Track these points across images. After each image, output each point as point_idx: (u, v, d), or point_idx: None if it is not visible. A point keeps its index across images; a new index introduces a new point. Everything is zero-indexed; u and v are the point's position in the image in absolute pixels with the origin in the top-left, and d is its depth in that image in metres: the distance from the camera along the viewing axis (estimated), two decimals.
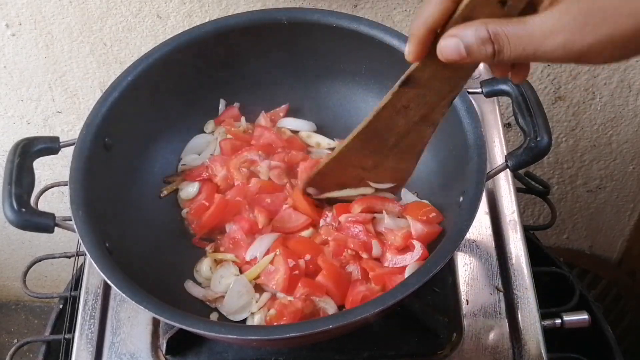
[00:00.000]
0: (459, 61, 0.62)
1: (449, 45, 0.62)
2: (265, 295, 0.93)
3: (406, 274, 0.92)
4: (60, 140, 0.94)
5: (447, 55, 0.62)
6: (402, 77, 0.74)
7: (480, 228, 1.01)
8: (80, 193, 0.87)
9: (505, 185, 1.05)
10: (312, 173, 0.95)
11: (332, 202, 0.98)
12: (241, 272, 0.96)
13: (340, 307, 0.91)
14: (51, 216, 0.86)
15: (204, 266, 0.97)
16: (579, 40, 0.56)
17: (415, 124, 0.81)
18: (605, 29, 0.55)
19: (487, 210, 1.03)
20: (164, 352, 0.93)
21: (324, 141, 1.08)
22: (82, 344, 0.95)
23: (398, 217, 0.95)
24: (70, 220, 0.85)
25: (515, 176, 1.10)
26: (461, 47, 0.61)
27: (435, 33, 0.64)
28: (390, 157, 0.88)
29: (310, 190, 0.97)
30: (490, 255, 0.99)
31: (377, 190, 0.96)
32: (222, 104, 1.10)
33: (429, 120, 0.80)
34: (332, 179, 0.94)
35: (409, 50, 0.67)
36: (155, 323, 0.96)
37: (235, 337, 0.80)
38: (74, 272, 1.12)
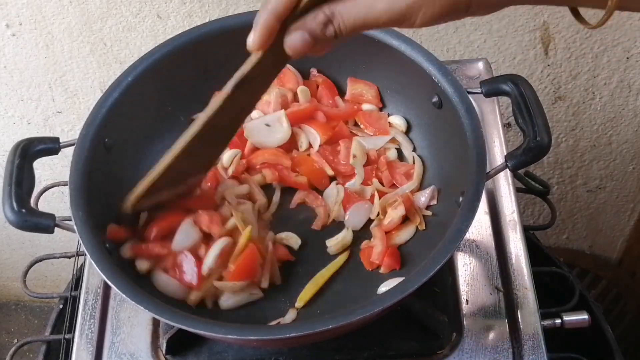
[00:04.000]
0: (308, 50, 0.66)
1: (295, 39, 0.66)
2: None
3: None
4: (60, 140, 0.94)
5: (296, 49, 0.66)
6: (237, 80, 0.74)
7: (480, 228, 1.01)
8: (80, 193, 0.87)
9: (505, 185, 1.05)
10: (138, 191, 0.88)
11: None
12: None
13: None
14: (51, 216, 0.86)
15: None
16: (398, 2, 0.61)
17: (237, 115, 0.84)
18: None
19: (487, 210, 1.03)
20: (164, 352, 0.93)
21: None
22: (82, 344, 0.95)
23: None
24: (70, 220, 0.85)
25: (515, 176, 1.10)
26: (306, 36, 0.65)
27: (282, 23, 0.66)
28: (207, 152, 0.89)
29: (131, 211, 0.90)
30: (490, 255, 0.99)
31: (190, 186, 0.95)
32: None
33: (250, 106, 0.84)
34: (155, 192, 0.89)
35: (254, 39, 0.68)
36: (155, 323, 0.96)
37: (235, 337, 0.80)
38: (74, 272, 1.12)
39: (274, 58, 0.71)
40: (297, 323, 0.87)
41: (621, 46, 1.32)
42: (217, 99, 0.77)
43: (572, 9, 0.72)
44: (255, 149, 1.05)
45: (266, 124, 1.03)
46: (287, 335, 0.78)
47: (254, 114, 1.05)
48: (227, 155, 1.03)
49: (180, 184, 0.92)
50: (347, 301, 0.91)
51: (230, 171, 1.02)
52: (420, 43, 0.96)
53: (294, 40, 0.66)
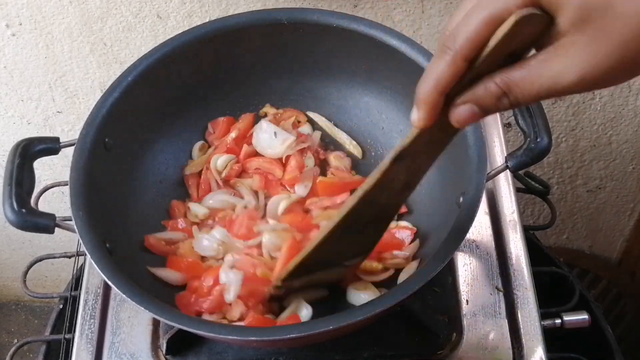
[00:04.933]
0: (476, 121, 0.60)
1: (464, 113, 0.59)
2: None
3: (403, 276, 0.92)
4: (60, 140, 0.94)
5: (464, 121, 0.60)
6: (395, 153, 0.67)
7: (480, 228, 1.01)
8: (80, 193, 0.87)
9: (505, 185, 1.05)
10: (288, 268, 0.85)
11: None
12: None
13: None
14: (51, 216, 0.86)
15: None
16: (591, 73, 0.54)
17: (397, 194, 0.76)
18: (617, 52, 0.53)
19: (487, 210, 1.03)
20: (164, 352, 0.93)
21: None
22: (82, 344, 0.95)
23: None
24: (70, 220, 0.85)
25: (515, 176, 1.10)
26: (475, 109, 0.59)
27: (446, 96, 0.60)
28: (364, 232, 0.82)
29: (277, 290, 0.88)
30: (490, 255, 0.99)
31: (347, 268, 0.90)
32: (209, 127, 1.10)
33: (410, 185, 0.76)
34: (306, 271, 0.85)
35: (419, 117, 0.62)
36: (155, 323, 0.96)
37: (235, 337, 0.80)
38: (74, 272, 1.12)
39: (438, 131, 0.64)
40: (298, 324, 0.87)
41: None
42: (375, 173, 0.71)
43: None
44: (250, 154, 1.05)
45: (275, 132, 1.03)
46: (287, 336, 0.77)
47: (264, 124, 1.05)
48: (222, 160, 1.03)
49: (335, 265, 0.87)
50: None
51: (224, 174, 1.02)
52: (420, 43, 0.96)
53: (462, 114, 0.59)
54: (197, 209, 1.00)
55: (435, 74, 0.58)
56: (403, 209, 0.99)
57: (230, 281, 0.90)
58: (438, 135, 0.66)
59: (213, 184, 1.03)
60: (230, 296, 0.89)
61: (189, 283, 0.94)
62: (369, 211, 0.76)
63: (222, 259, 0.95)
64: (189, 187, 1.05)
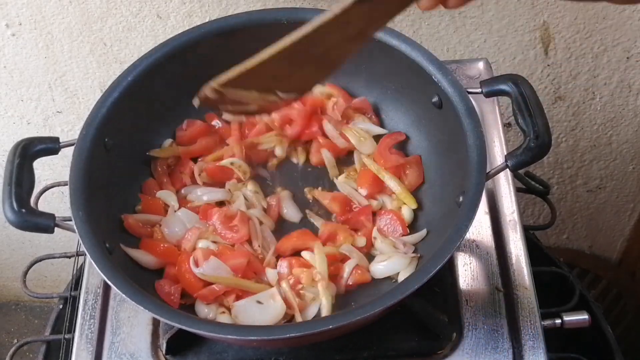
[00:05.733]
0: None
1: None
2: None
3: (403, 276, 0.92)
4: (60, 140, 0.94)
5: None
6: None
7: (480, 228, 1.01)
8: (80, 193, 0.87)
9: (505, 185, 1.05)
10: (229, 75, 0.85)
11: (229, 108, 0.94)
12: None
13: None
14: (51, 216, 0.86)
15: None
16: None
17: (347, 40, 0.77)
18: None
19: (487, 210, 1.03)
20: (164, 352, 0.93)
21: None
22: (82, 344, 0.95)
23: None
24: (70, 220, 0.85)
25: (515, 176, 1.10)
26: None
27: None
28: (306, 67, 0.83)
29: (213, 93, 0.88)
30: (490, 255, 0.99)
31: (280, 99, 0.90)
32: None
33: (363, 36, 0.77)
34: (243, 83, 0.86)
35: None
36: (155, 323, 0.96)
37: (234, 337, 0.80)
38: (74, 272, 1.12)
39: None
40: (298, 323, 0.87)
41: (621, 46, 1.32)
42: (334, 8, 0.72)
43: None
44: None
45: (258, 301, 0.91)
46: (287, 336, 0.78)
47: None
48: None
49: (270, 91, 0.88)
50: None
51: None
52: (421, 43, 0.96)
53: None
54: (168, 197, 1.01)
55: None
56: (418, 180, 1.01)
57: (205, 270, 0.90)
58: None
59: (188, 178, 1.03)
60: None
61: (166, 269, 0.94)
62: (318, 45, 0.78)
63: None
64: (155, 172, 1.04)
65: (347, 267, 0.93)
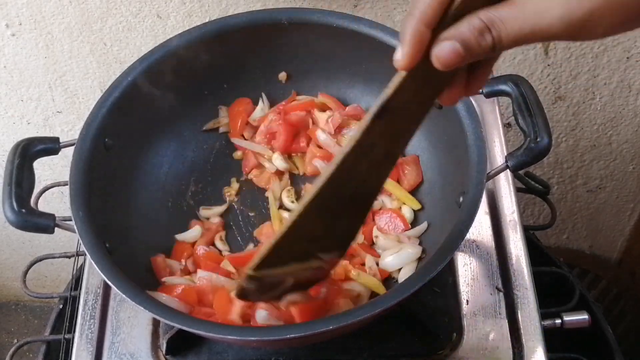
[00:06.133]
0: (458, 63, 0.57)
1: (445, 49, 0.56)
2: None
3: (403, 276, 0.92)
4: (60, 140, 0.94)
5: (445, 60, 0.56)
6: (378, 106, 0.61)
7: (480, 228, 1.01)
8: (80, 193, 0.87)
9: (505, 185, 1.05)
10: (261, 254, 0.73)
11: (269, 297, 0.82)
12: None
13: None
14: (51, 216, 0.86)
15: None
16: (576, 9, 0.52)
17: (378, 165, 0.68)
18: None
19: (487, 210, 1.03)
20: (164, 352, 0.93)
21: None
22: (82, 344, 0.95)
23: None
24: (70, 220, 0.85)
25: (515, 176, 1.10)
26: (457, 46, 0.56)
27: (432, 32, 0.57)
28: (342, 215, 0.73)
29: (251, 284, 0.76)
30: (490, 255, 0.99)
31: (323, 262, 0.79)
32: (222, 110, 1.10)
33: (392, 156, 0.69)
34: (278, 259, 0.74)
35: (404, 52, 0.57)
36: (155, 323, 0.96)
37: (235, 337, 0.80)
38: (74, 272, 1.12)
39: (422, 83, 0.60)
40: (298, 324, 0.87)
41: (621, 46, 1.32)
42: (355, 133, 0.63)
43: None
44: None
45: None
46: (287, 336, 0.77)
47: None
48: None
49: (310, 257, 0.76)
50: None
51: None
52: None
53: (443, 50, 0.56)
54: None
55: (420, 6, 0.56)
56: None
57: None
58: (422, 89, 0.61)
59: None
60: None
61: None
62: (348, 184, 0.68)
63: None
64: None
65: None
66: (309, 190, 0.69)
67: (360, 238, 0.97)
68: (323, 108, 1.08)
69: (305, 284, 0.81)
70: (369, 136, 0.63)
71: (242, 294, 0.79)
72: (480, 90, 0.95)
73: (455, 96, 0.64)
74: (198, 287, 0.91)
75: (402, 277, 0.92)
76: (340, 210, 0.71)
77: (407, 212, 0.99)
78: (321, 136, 1.04)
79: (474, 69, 0.62)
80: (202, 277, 0.92)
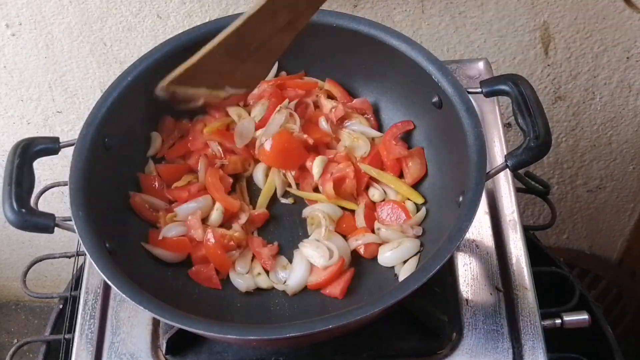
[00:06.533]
0: None
1: None
2: None
3: (405, 271, 0.92)
4: (60, 140, 0.94)
5: None
6: None
7: (480, 228, 1.01)
8: (80, 193, 0.87)
9: (505, 185, 1.05)
10: (175, 73, 0.90)
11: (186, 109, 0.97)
12: None
13: None
14: (51, 216, 0.86)
15: None
16: None
17: (279, 30, 0.83)
18: None
19: (487, 210, 1.03)
20: (164, 352, 0.93)
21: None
22: (82, 344, 0.95)
23: None
24: (70, 220, 0.85)
25: (515, 176, 1.10)
26: None
27: None
28: (247, 62, 0.89)
29: (164, 92, 0.92)
30: (490, 255, 0.99)
31: (229, 94, 0.96)
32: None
33: (293, 26, 0.83)
34: (191, 80, 0.91)
35: None
36: (155, 323, 0.96)
37: (234, 337, 0.80)
38: (74, 272, 1.12)
39: None
40: (297, 323, 0.87)
41: (621, 46, 1.32)
42: (255, 4, 0.79)
43: None
44: None
45: None
46: (287, 335, 0.78)
47: None
48: None
49: (218, 87, 0.93)
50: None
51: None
52: (421, 43, 0.96)
53: None
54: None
55: None
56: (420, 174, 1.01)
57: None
58: None
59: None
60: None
61: (193, 257, 0.96)
62: (252, 37, 0.84)
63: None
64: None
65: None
66: (221, 33, 0.85)
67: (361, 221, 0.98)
68: (330, 95, 1.08)
69: (210, 106, 1.03)
70: (272, 5, 0.78)
71: (158, 100, 0.92)
72: (481, 90, 0.95)
73: None
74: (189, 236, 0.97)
75: (402, 276, 0.92)
76: (245, 55, 0.88)
77: (409, 206, 0.99)
78: (323, 124, 1.04)
79: None
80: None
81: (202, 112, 1.05)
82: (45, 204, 1.12)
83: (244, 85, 0.96)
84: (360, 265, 0.95)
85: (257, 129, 1.03)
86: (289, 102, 1.04)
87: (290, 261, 0.96)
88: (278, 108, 1.02)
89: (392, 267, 0.95)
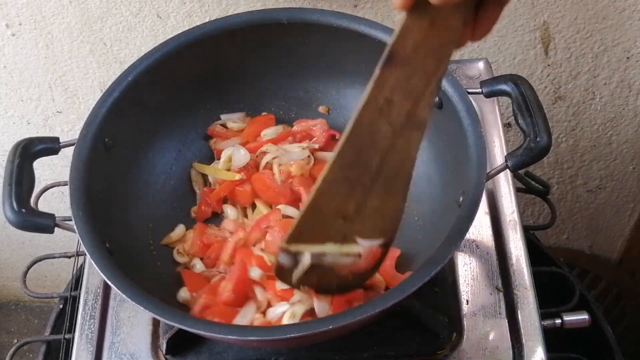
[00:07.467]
0: None
1: None
2: None
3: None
4: (60, 140, 0.94)
5: None
6: (386, 52, 0.60)
7: (480, 228, 1.01)
8: (80, 193, 0.87)
9: (505, 185, 1.05)
10: (289, 230, 0.75)
11: (313, 283, 0.80)
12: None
13: None
14: (51, 216, 0.86)
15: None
16: None
17: (401, 129, 0.66)
18: None
19: (487, 210, 1.03)
20: (164, 352, 0.93)
21: None
22: (82, 344, 0.95)
23: None
24: (70, 220, 0.85)
25: (515, 176, 1.10)
26: None
27: None
28: (374, 192, 0.71)
29: (286, 258, 0.77)
30: (490, 255, 0.99)
31: (364, 249, 0.77)
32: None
33: (415, 119, 0.66)
34: (312, 232, 0.73)
35: None
36: (155, 323, 0.96)
37: (235, 337, 0.80)
38: (74, 272, 1.12)
39: (428, 27, 0.58)
40: (297, 324, 0.87)
41: (621, 46, 1.32)
42: (367, 88, 0.62)
43: None
44: None
45: None
46: (287, 336, 0.77)
47: None
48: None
49: (347, 239, 0.74)
50: None
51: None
52: None
53: None
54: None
55: None
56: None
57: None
58: (430, 36, 0.59)
59: None
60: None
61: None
62: (371, 148, 0.66)
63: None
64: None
65: None
66: (331, 153, 0.67)
67: None
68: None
69: (342, 286, 0.80)
70: (382, 90, 0.61)
71: (279, 272, 0.78)
72: (481, 90, 0.95)
73: (463, 40, 0.62)
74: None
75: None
76: (368, 181, 0.68)
77: None
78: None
79: (481, 9, 0.61)
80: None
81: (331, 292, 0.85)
82: (45, 204, 1.11)
83: (378, 233, 0.74)
84: None
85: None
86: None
87: None
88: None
89: None
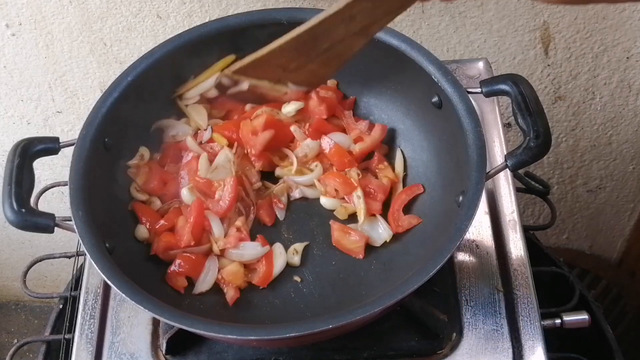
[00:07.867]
0: None
1: None
2: None
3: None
4: (60, 140, 0.94)
5: None
6: None
7: (480, 228, 1.01)
8: (80, 193, 0.87)
9: (505, 185, 1.05)
10: (243, 62, 0.92)
11: (243, 99, 1.00)
12: None
13: None
14: (51, 216, 0.86)
15: None
16: None
17: (353, 35, 0.82)
18: None
19: (487, 210, 1.03)
20: (164, 352, 0.93)
21: None
22: (82, 344, 0.95)
23: None
24: (70, 220, 0.85)
25: (515, 176, 1.10)
26: None
27: None
28: (314, 61, 0.89)
29: (227, 81, 0.94)
30: (490, 255, 0.99)
31: (290, 91, 0.96)
32: None
33: (367, 32, 0.81)
34: (255, 72, 0.92)
35: None
36: (155, 323, 0.96)
37: (234, 337, 0.80)
38: (74, 272, 1.12)
39: None
40: (297, 323, 0.87)
41: (621, 46, 1.32)
42: (340, 2, 0.77)
43: None
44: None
45: None
46: (287, 335, 0.78)
47: None
48: None
49: (281, 82, 0.93)
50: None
51: None
52: (421, 43, 0.96)
53: None
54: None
55: None
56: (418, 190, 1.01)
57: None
58: None
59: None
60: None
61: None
62: (324, 38, 0.83)
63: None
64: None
65: None
66: (293, 30, 0.83)
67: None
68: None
69: (269, 100, 0.99)
70: (351, 10, 0.76)
71: (219, 88, 0.96)
72: (481, 90, 0.95)
73: None
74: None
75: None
76: (312, 56, 0.87)
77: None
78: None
79: None
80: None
81: (256, 102, 1.07)
82: (45, 204, 1.12)
83: (306, 84, 0.95)
84: None
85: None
86: None
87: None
88: None
89: None
